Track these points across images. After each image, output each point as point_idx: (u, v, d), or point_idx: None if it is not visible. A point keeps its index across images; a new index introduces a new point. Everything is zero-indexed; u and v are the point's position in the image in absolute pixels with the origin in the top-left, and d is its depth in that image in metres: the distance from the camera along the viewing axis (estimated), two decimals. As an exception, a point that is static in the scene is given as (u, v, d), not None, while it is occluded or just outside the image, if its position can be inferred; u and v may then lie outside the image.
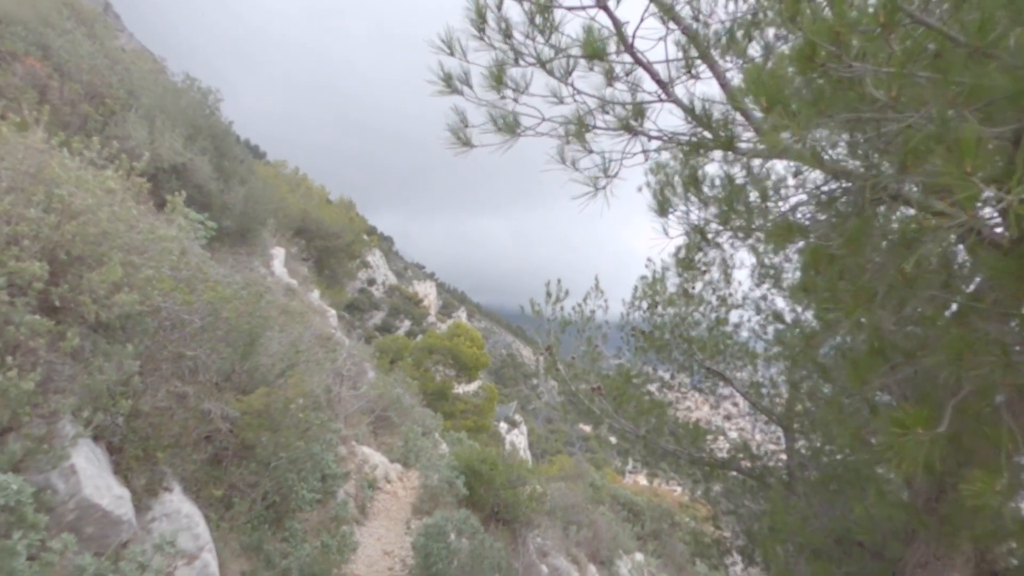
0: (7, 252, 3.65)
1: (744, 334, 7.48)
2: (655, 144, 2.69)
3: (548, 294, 7.44)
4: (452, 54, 2.80)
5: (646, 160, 2.74)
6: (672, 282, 7.69)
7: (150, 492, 4.41)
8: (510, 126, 2.78)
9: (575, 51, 2.60)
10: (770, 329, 7.20)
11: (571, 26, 2.64)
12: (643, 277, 7.83)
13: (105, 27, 11.98)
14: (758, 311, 7.22)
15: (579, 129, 2.69)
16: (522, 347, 75.94)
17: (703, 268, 7.46)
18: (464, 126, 2.96)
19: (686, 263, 6.41)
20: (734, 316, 7.47)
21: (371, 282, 48.83)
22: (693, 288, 7.62)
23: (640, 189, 5.23)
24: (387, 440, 12.17)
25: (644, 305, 7.92)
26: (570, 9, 2.58)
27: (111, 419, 4.10)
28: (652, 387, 8.18)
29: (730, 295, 7.45)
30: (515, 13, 2.68)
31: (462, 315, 60.74)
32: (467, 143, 3.00)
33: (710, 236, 3.60)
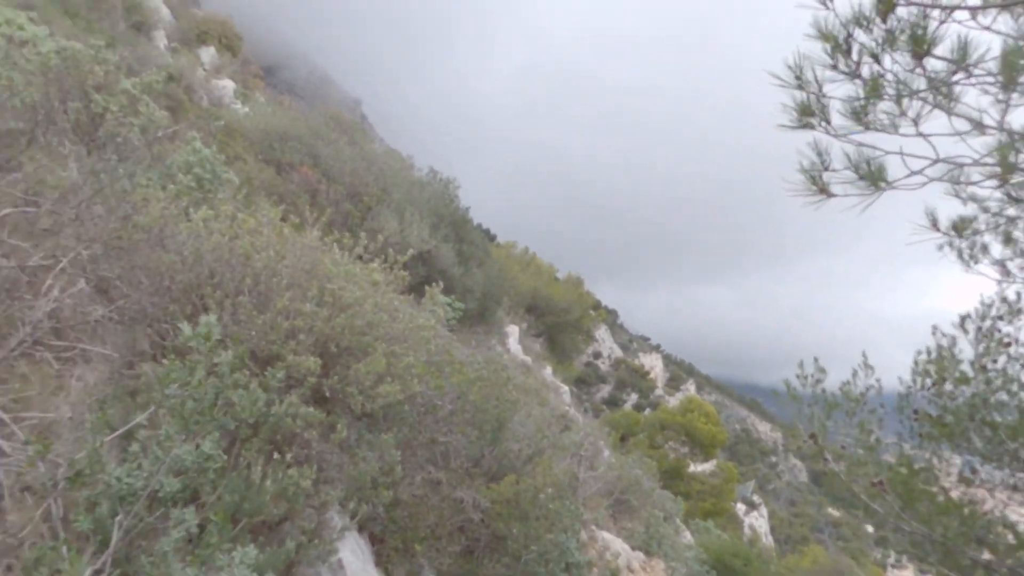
0: (286, 346, 3.85)
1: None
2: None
3: (801, 376, 6.59)
4: (801, 87, 2.41)
5: None
6: (964, 354, 6.45)
7: (408, 586, 4.33)
8: (875, 176, 2.31)
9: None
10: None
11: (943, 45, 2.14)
12: (928, 350, 6.67)
13: (362, 134, 13.47)
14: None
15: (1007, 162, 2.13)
16: (757, 422, 71.07)
17: (1007, 340, 6.21)
18: (823, 168, 2.51)
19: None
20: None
21: (597, 355, 48.92)
22: (994, 362, 6.33)
23: (941, 247, 4.44)
24: (627, 525, 11.55)
25: (927, 383, 6.69)
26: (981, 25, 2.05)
27: (372, 509, 4.11)
28: (947, 482, 6.83)
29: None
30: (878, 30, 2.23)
31: (691, 387, 58.48)
32: (824, 190, 2.55)
33: None
